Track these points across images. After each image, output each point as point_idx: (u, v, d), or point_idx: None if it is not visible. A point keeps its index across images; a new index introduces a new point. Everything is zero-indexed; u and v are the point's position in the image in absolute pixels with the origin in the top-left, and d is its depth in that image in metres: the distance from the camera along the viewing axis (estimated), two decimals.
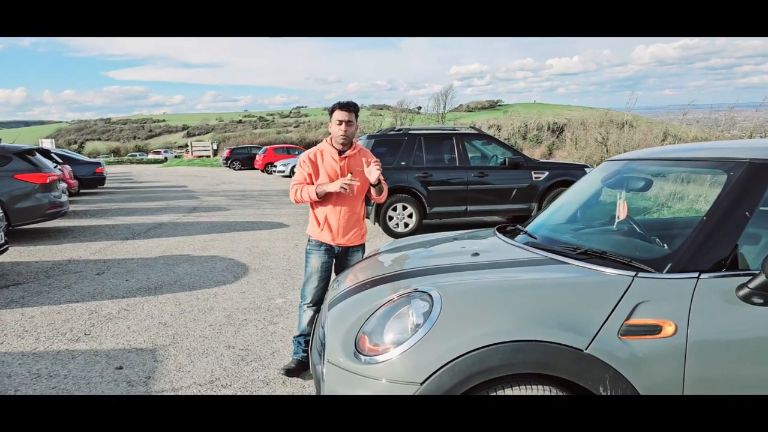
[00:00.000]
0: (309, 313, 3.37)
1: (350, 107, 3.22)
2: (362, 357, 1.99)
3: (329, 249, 3.36)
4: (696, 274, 1.94)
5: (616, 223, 2.75)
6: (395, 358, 1.90)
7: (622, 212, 2.72)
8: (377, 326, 2.04)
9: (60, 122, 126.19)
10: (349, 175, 3.16)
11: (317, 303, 3.34)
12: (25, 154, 8.12)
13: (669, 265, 2.00)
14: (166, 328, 4.22)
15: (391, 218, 8.23)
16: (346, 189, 3.10)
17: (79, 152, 37.95)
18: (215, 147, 46.79)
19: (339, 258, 3.43)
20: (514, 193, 8.52)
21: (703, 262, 1.97)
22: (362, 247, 3.50)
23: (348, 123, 3.21)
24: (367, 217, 8.86)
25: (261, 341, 3.95)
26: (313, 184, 3.28)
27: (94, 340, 3.99)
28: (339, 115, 3.20)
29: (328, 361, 2.11)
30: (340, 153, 3.29)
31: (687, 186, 8.91)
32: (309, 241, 3.43)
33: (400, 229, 8.21)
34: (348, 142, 3.29)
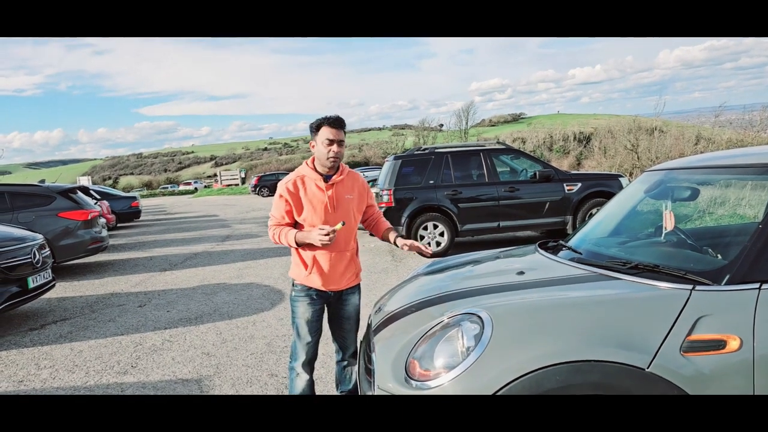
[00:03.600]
0: (304, 377, 2.82)
1: (342, 123, 2.67)
2: (413, 382, 1.97)
3: (321, 294, 2.77)
4: (757, 285, 1.88)
5: (663, 235, 2.68)
6: (447, 383, 1.87)
7: (669, 223, 2.64)
8: (427, 350, 2.02)
9: (95, 159, 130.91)
10: (340, 224, 2.59)
11: (312, 361, 2.84)
12: (67, 193, 8.43)
13: (727, 276, 1.93)
14: (209, 358, 4.26)
15: (422, 237, 8.21)
16: (327, 242, 2.55)
17: (114, 187, 39.19)
18: (243, 175, 47.76)
19: (332, 304, 2.87)
20: (547, 206, 8.40)
21: (763, 272, 1.91)
22: (358, 288, 2.93)
23: (340, 143, 2.65)
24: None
25: None
26: (293, 221, 2.73)
27: (141, 372, 4.05)
28: (329, 133, 2.63)
29: (378, 387, 2.09)
30: (326, 179, 2.71)
31: (727, 190, 8.66)
32: (293, 285, 2.81)
33: (432, 248, 8.15)
34: (337, 165, 2.73)
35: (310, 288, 2.75)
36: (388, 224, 2.96)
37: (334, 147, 2.63)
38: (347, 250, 2.78)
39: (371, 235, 3.02)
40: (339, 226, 2.57)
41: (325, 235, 2.52)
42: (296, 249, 2.74)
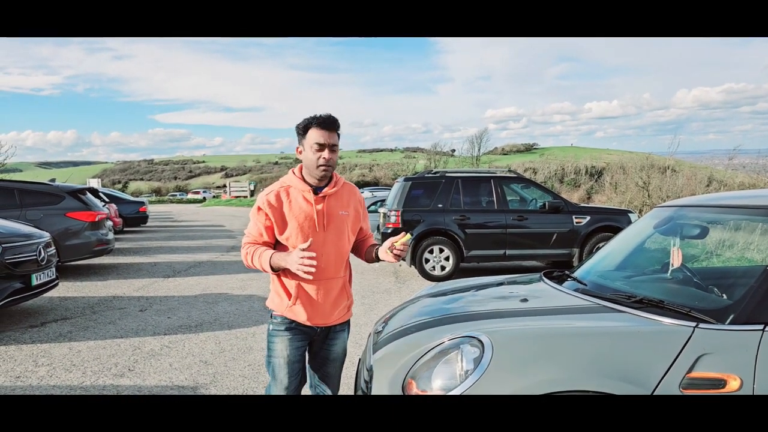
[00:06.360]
0: None
1: (334, 124, 2.17)
2: None
3: (305, 330, 2.27)
4: (761, 327, 1.87)
5: (670, 271, 2.67)
6: None
7: (676, 260, 2.64)
8: (425, 371, 2.01)
9: (106, 162, 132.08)
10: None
11: None
12: (77, 193, 8.51)
13: (731, 316, 1.93)
14: (206, 367, 4.25)
15: (427, 261, 8.19)
16: (308, 269, 2.01)
17: (123, 191, 39.51)
18: (252, 188, 48.06)
19: (316, 342, 2.35)
20: (554, 237, 8.37)
21: (767, 314, 1.90)
22: (348, 324, 2.44)
23: (332, 148, 2.16)
24: (403, 259, 8.85)
25: None
26: (274, 241, 2.24)
27: (137, 376, 4.04)
28: (319, 135, 2.14)
29: None
30: (316, 191, 2.23)
31: (736, 233, 8.61)
32: (272, 317, 2.30)
33: (437, 272, 8.14)
34: (329, 176, 2.25)
35: (293, 321, 2.25)
36: (372, 240, 2.48)
37: (325, 153, 2.15)
38: (338, 277, 2.28)
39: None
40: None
41: (308, 258, 2.00)
42: (275, 275, 2.24)
